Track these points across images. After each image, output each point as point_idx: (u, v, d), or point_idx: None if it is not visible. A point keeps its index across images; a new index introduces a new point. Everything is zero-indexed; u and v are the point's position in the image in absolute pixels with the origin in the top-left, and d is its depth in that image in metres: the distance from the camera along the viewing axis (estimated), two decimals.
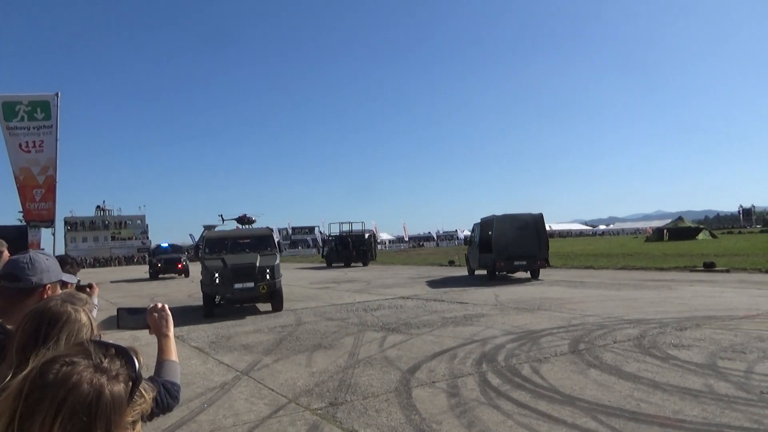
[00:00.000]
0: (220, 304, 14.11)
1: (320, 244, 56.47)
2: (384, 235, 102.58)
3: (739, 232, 71.94)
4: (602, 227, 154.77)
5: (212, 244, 14.93)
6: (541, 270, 20.72)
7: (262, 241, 15.11)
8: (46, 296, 2.06)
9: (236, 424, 5.41)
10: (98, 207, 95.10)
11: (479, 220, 22.82)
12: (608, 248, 42.65)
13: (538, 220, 20.75)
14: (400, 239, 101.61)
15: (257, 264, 13.62)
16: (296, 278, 28.40)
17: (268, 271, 13.67)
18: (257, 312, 14.22)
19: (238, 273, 13.47)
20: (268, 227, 16.22)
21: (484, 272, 21.41)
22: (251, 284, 13.46)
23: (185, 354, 9.17)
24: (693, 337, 8.38)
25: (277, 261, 14.20)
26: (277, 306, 14.16)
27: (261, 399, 6.26)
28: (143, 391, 1.17)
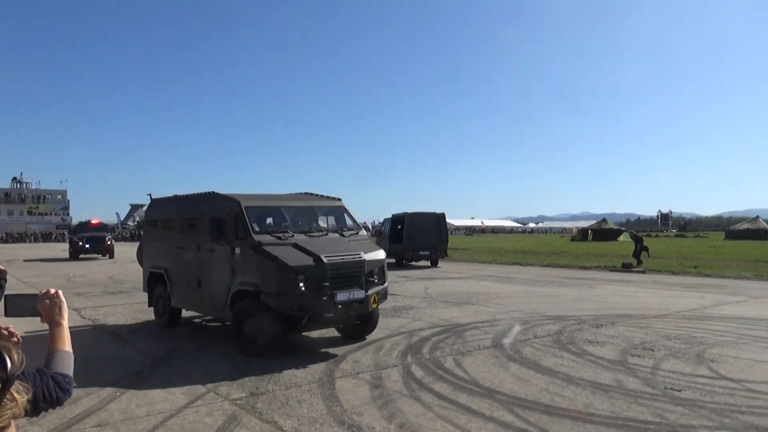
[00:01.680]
0: (294, 329, 7.87)
1: None
2: None
3: (657, 236, 76.35)
4: (532, 225, 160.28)
5: (260, 216, 8.45)
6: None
7: (337, 215, 9.28)
8: None
9: (150, 414, 5.20)
10: (14, 179, 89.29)
11: (390, 216, 26.11)
12: (536, 246, 44.22)
13: (441, 217, 24.86)
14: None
15: (364, 257, 8.00)
16: None
17: (376, 270, 8.23)
18: None
19: (341, 275, 7.67)
20: (307, 193, 9.82)
21: (392, 260, 24.28)
22: (361, 294, 7.73)
23: (100, 338, 8.76)
24: (607, 334, 8.79)
25: (384, 253, 8.77)
26: (369, 328, 8.66)
27: (178, 388, 6.05)
28: (15, 394, 1.07)
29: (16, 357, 1.22)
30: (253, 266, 7.71)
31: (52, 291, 1.84)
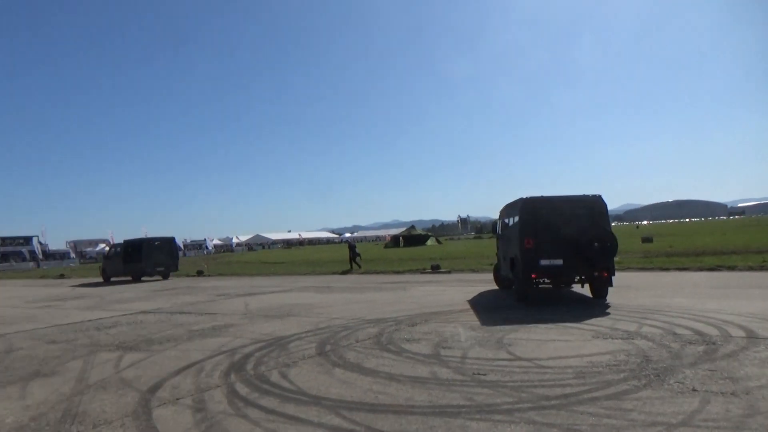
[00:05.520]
0: None
1: None
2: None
3: (458, 239, 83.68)
4: (347, 235, 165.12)
5: None
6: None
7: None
8: None
9: None
10: None
11: (123, 242, 32.12)
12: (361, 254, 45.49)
13: (171, 240, 32.44)
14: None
15: None
16: (7, 297, 23.99)
17: None
18: None
19: None
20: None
21: (126, 278, 31.05)
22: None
23: None
24: (422, 331, 9.44)
25: None
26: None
27: None
28: None
29: None
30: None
31: None
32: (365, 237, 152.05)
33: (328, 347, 8.49)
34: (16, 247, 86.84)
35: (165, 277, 30.94)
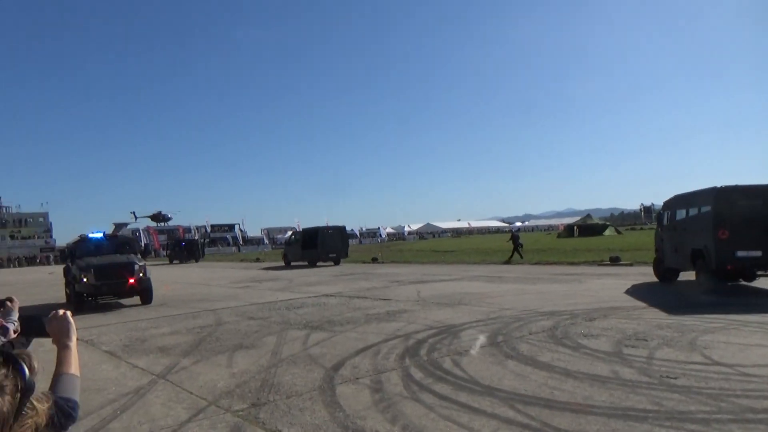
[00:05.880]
0: None
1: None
2: None
3: (641, 229, 77.05)
4: (518, 224, 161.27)
5: None
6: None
7: None
8: None
9: (152, 430, 5.17)
10: None
11: (301, 230, 35.94)
12: (525, 244, 44.33)
13: (342, 228, 34.53)
14: None
15: None
16: (216, 277, 27.60)
17: None
18: (174, 313, 13.68)
19: None
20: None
21: (302, 263, 32.89)
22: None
23: (96, 359, 8.68)
24: (601, 326, 8.90)
25: None
26: None
27: (179, 403, 6.02)
28: (36, 402, 1.07)
29: (35, 364, 1.22)
30: None
31: (60, 312, 1.82)
32: (536, 226, 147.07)
33: (500, 338, 8.42)
34: (223, 233, 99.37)
35: (336, 263, 32.32)
